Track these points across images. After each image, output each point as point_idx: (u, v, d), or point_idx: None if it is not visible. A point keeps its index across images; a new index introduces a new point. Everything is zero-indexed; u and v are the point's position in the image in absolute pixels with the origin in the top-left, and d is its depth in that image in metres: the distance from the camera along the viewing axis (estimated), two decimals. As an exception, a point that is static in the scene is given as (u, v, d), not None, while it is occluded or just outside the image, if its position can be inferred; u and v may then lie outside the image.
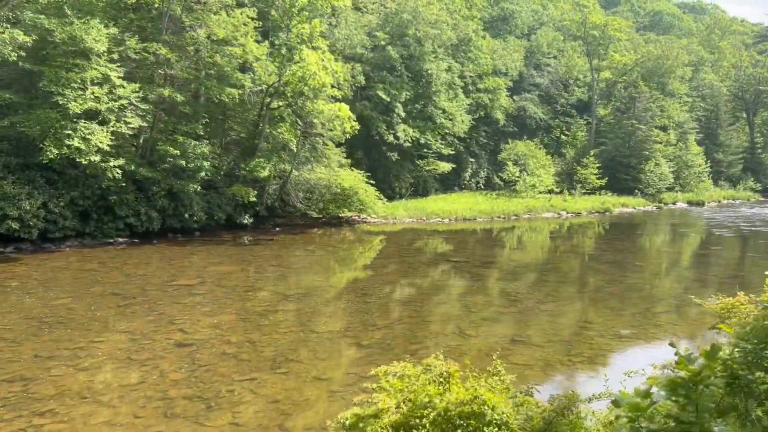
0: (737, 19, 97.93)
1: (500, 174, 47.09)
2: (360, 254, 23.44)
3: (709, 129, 65.71)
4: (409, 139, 38.25)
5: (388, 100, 35.34)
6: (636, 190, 50.08)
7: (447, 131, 42.51)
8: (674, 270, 20.92)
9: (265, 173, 26.46)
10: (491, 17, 61.28)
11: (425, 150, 43.65)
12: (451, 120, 41.89)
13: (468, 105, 46.70)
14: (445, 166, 44.20)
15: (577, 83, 63.62)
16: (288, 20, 25.50)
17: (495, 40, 55.26)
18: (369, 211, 31.74)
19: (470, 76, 48.69)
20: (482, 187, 56.01)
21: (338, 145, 35.62)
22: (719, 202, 56.57)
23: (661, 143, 53.47)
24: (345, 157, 39.67)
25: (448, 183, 54.77)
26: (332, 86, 27.67)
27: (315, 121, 26.46)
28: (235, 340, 11.78)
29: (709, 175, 59.17)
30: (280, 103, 26.41)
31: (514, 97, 57.16)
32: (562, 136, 58.32)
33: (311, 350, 11.22)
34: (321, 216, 31.87)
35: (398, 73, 37.01)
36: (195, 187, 24.11)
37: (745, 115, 74.58)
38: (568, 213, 40.53)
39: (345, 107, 25.52)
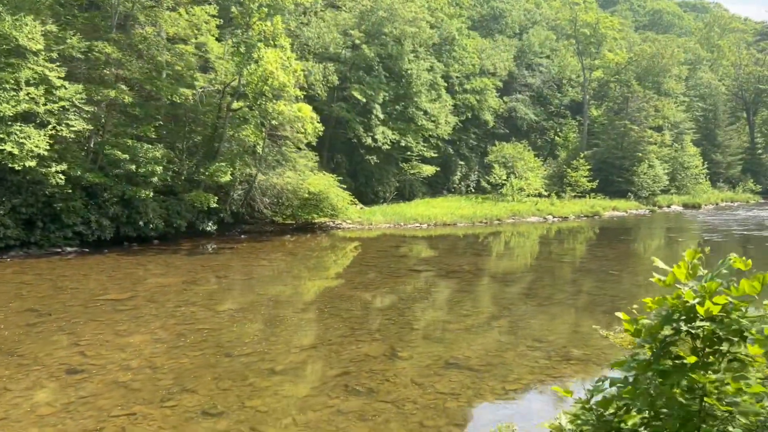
0: (737, 17, 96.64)
1: (488, 177, 45.94)
2: (321, 264, 22.33)
3: (707, 129, 64.52)
4: (388, 142, 37.12)
5: (365, 101, 34.25)
6: (629, 193, 48.85)
7: (430, 133, 41.37)
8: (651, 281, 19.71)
9: (226, 178, 25.41)
10: (481, 16, 60.24)
11: (408, 153, 42.59)
12: (433, 122, 40.76)
13: (452, 106, 45.58)
14: (429, 169, 43.12)
15: (571, 83, 62.49)
16: (248, 17, 24.44)
17: (485, 40, 54.21)
18: (341, 217, 30.66)
19: (456, 77, 47.62)
20: (473, 190, 54.92)
21: (312, 148, 34.60)
22: (717, 204, 55.33)
23: (655, 144, 52.25)
24: (323, 161, 38.82)
25: (437, 186, 53.72)
26: (299, 87, 26.69)
27: (280, 122, 25.37)
28: (135, 365, 10.67)
29: (706, 177, 57.94)
30: (242, 104, 25.35)
31: (504, 98, 56.06)
32: (556, 138, 57.16)
33: (215, 378, 10.10)
34: (293, 222, 30.85)
35: (376, 73, 35.94)
36: (147, 193, 23.06)
37: (745, 115, 73.33)
38: (554, 217, 39.36)
39: (307, 108, 24.45)
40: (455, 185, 54.57)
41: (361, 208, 36.93)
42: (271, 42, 25.29)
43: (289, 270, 20.83)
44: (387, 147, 37.13)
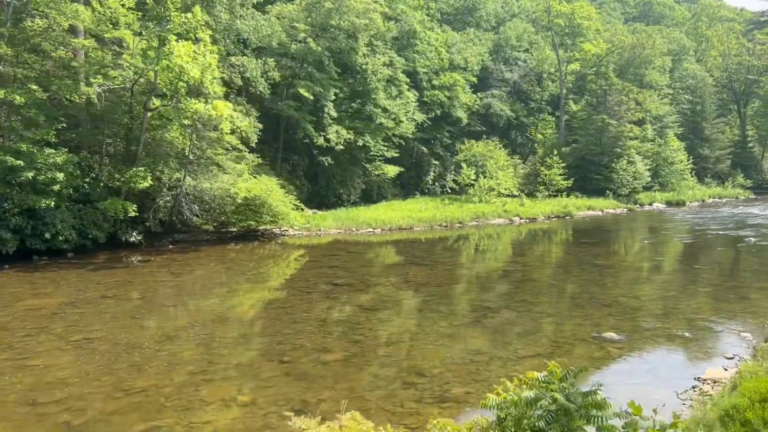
0: (726, 5, 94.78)
1: (455, 178, 44.13)
2: (242, 277, 20.42)
3: (694, 123, 62.64)
4: (342, 142, 35.25)
5: (312, 98, 32.38)
6: (608, 191, 46.96)
7: (392, 132, 39.49)
8: (591, 292, 17.89)
9: (144, 184, 23.56)
10: (455, 9, 58.38)
11: (372, 153, 40.73)
12: (394, 120, 38.88)
13: (420, 103, 43.72)
14: (393, 170, 41.28)
15: (551, 78, 60.63)
16: (162, 8, 22.59)
17: (457, 33, 52.36)
18: (283, 223, 28.79)
19: (423, 72, 45.76)
20: (448, 191, 53.01)
21: (265, 149, 32.83)
22: (703, 201, 53.44)
23: (636, 139, 50.40)
24: (276, 163, 36.96)
25: (409, 188, 51.84)
26: (229, 83, 24.88)
27: (193, 122, 23.50)
28: None
29: (692, 173, 56.04)
30: (159, 103, 23.49)
31: (479, 94, 54.19)
32: (538, 135, 55.25)
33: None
34: (233, 230, 28.98)
35: (327, 69, 34.07)
36: (48, 202, 21.18)
37: (735, 107, 71.49)
38: (521, 219, 37.50)
39: (224, 105, 22.54)
40: (429, 186, 52.66)
41: (314, 213, 35.13)
42: (192, 35, 23.44)
43: (201, 286, 18.94)
44: (341, 147, 35.22)
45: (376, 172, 41.84)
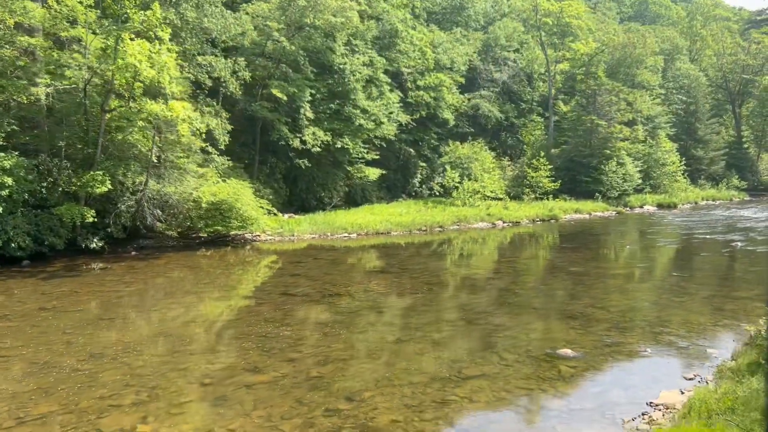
0: (722, 4, 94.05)
1: (440, 180, 43.36)
2: (195, 287, 19.56)
3: (687, 123, 61.81)
4: (319, 144, 34.42)
5: (286, 99, 31.56)
6: (597, 193, 46.14)
7: (372, 134, 38.65)
8: (558, 302, 17.06)
9: (102, 188, 22.74)
10: (443, 9, 57.62)
11: (353, 156, 39.89)
12: (374, 121, 38.05)
13: (403, 103, 42.89)
14: (374, 173, 40.45)
15: (542, 78, 59.85)
16: (119, 5, 21.79)
17: (443, 33, 51.58)
18: (253, 228, 27.95)
19: (408, 72, 44.97)
20: (436, 194, 52.19)
21: (227, 152, 31.99)
22: (695, 203, 52.62)
23: (626, 140, 49.59)
24: (253, 166, 36.15)
25: (396, 190, 51.03)
26: (198, 84, 24.10)
27: (148, 123, 22.67)
28: None
29: (684, 174, 55.18)
30: (116, 104, 22.66)
31: (467, 95, 53.39)
32: (526, 136, 54.38)
33: None
34: (202, 236, 28.10)
35: (302, 69, 33.25)
36: (-5, 208, 20.36)
37: (730, 107, 70.71)
38: (504, 222, 36.68)
39: (181, 106, 21.67)
40: (416, 188, 51.79)
41: (290, 217, 34.34)
42: (151, 33, 22.63)
43: (149, 296, 18.10)
44: (317, 150, 34.40)
45: (359, 175, 41.02)
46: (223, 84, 29.71)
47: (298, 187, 40.48)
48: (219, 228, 26.84)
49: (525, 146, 51.29)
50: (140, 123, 22.92)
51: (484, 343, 12.78)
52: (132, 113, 22.01)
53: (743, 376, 9.26)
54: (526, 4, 54.22)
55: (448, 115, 49.40)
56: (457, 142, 45.80)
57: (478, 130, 57.40)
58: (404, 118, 43.72)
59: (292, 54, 32.36)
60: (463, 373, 10.92)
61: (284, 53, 32.00)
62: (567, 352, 11.98)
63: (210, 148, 29.49)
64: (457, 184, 41.32)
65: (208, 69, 27.68)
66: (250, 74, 30.01)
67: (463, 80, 52.52)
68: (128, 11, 21.96)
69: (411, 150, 51.39)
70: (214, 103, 29.68)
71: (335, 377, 10.79)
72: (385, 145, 41.28)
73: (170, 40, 26.94)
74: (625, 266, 22.27)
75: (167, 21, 26.36)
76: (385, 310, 15.72)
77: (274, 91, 31.02)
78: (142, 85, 21.25)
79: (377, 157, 40.15)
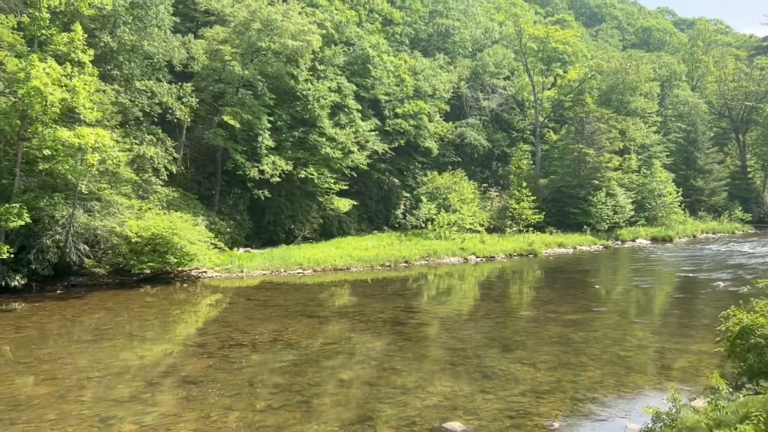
0: (723, 29, 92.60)
1: (409, 213, 41.62)
2: (95, 333, 17.71)
3: (686, 152, 59.70)
4: (279, 174, 32.86)
5: (239, 126, 30.11)
6: (585, 226, 44.03)
7: (339, 164, 37.04)
8: (482, 357, 15.05)
9: (19, 222, 21.19)
10: (428, 35, 56.53)
11: (322, 186, 38.21)
12: (342, 149, 36.49)
13: (374, 132, 41.35)
14: (344, 204, 38.70)
15: (532, 105, 58.29)
16: (36, 26, 20.52)
17: (426, 60, 50.34)
18: (192, 264, 26.23)
19: (385, 99, 43.58)
20: (423, 225, 50.42)
21: (182, 183, 30.57)
22: (693, 237, 50.24)
23: (618, 170, 47.63)
24: (214, 196, 34.62)
25: (378, 222, 49.31)
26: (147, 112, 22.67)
27: (54, 151, 21.15)
28: None
29: (683, 206, 52.86)
30: (32, 131, 21.20)
31: (452, 123, 51.89)
32: (512, 166, 52.51)
33: None
34: (147, 272, 26.26)
35: (259, 95, 31.88)
36: None
37: (734, 136, 68.59)
38: (478, 257, 34.68)
39: (90, 133, 20.03)
40: (399, 220, 49.96)
41: (245, 251, 32.61)
42: (73, 56, 21.31)
43: (36, 346, 16.30)
44: (277, 180, 32.82)
45: (330, 206, 39.32)
46: (171, 110, 28.31)
47: (265, 219, 38.85)
48: (153, 265, 25.13)
49: (511, 176, 49.41)
50: (63, 151, 21.42)
51: (364, 412, 10.81)
52: (47, 141, 20.53)
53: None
54: (511, 29, 52.89)
55: (431, 143, 47.86)
56: (435, 172, 44.08)
57: (467, 159, 55.77)
58: (381, 146, 42.18)
59: (247, 79, 31.03)
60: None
61: (239, 79, 30.65)
62: (455, 426, 9.99)
63: (154, 179, 28.05)
64: (433, 216, 39.48)
65: (148, 94, 26.29)
66: (196, 100, 28.63)
67: (447, 108, 51.10)
68: (46, 32, 20.65)
69: (396, 180, 49.83)
70: (159, 131, 28.24)
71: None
72: (355, 175, 39.63)
73: (106, 63, 25.73)
74: (582, 310, 20.15)
75: (104, 44, 25.19)
76: (278, 366, 13.79)
77: (226, 118, 29.63)
78: (57, 110, 19.81)
79: (346, 187, 38.50)
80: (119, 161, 21.61)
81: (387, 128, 44.03)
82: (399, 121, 44.20)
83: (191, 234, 26.39)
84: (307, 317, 19.04)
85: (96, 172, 22.67)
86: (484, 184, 52.32)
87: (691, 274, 28.04)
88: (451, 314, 19.78)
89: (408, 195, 50.61)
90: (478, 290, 26.23)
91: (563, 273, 30.57)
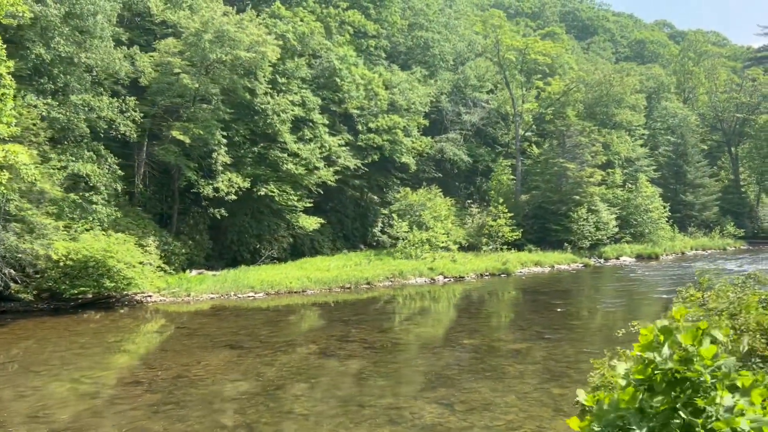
0: (713, 38, 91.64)
1: (387, 230, 40.26)
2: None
3: (676, 166, 58.29)
4: (235, 191, 31.57)
5: (189, 141, 28.84)
6: (566, 243, 42.55)
7: (305, 180, 35.70)
8: (398, 396, 13.61)
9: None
10: (407, 48, 55.49)
11: (288, 204, 36.81)
12: (305, 166, 35.19)
13: (345, 147, 40.09)
14: (310, 222, 37.27)
15: (516, 119, 57.08)
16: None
17: (403, 73, 49.21)
18: (128, 289, 24.83)
19: (357, 114, 42.33)
20: (394, 244, 49.03)
21: (159, 200, 29.30)
22: (682, 253, 48.69)
23: (602, 185, 46.27)
24: (172, 216, 33.35)
25: (355, 240, 47.91)
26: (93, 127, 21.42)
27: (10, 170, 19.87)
28: None
29: (670, 221, 51.36)
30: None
31: (431, 138, 50.60)
32: (492, 181, 51.09)
33: None
34: (89, 297, 24.83)
35: (213, 109, 30.67)
36: None
37: (726, 148, 67.25)
38: (446, 278, 33.24)
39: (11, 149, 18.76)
40: (377, 237, 48.52)
41: (199, 273, 31.22)
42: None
43: None
44: (233, 198, 31.51)
45: (296, 225, 37.89)
46: (114, 126, 27.09)
47: (228, 239, 37.51)
48: (86, 290, 23.76)
49: (491, 192, 48.02)
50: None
51: None
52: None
53: None
54: (489, 40, 51.84)
55: (408, 159, 46.50)
56: (408, 189, 42.72)
57: (449, 175, 54.46)
58: (352, 162, 40.86)
59: (200, 93, 29.85)
60: None
61: (191, 92, 29.47)
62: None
63: (95, 197, 26.74)
64: (405, 233, 38.09)
65: (85, 109, 25.07)
66: (140, 114, 27.40)
67: (426, 122, 49.90)
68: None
69: (375, 197, 48.52)
70: (101, 148, 26.99)
71: None
72: (322, 192, 38.27)
73: (39, 76, 24.61)
74: (532, 338, 18.62)
75: (35, 56, 24.05)
76: (164, 411, 12.34)
77: (175, 133, 28.39)
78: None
79: (310, 204, 37.08)
80: (36, 179, 20.28)
81: (360, 143, 42.74)
82: (372, 135, 42.92)
83: (130, 256, 25.03)
84: (230, 348, 17.59)
85: (13, 192, 21.36)
86: (469, 200, 51.02)
87: (665, 296, 26.53)
88: (386, 344, 18.31)
89: (386, 212, 49.23)
90: (430, 316, 24.76)
91: (531, 294, 29.09)
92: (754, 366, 6.56)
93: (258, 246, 37.98)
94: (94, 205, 25.98)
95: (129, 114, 26.81)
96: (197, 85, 28.89)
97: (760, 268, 37.67)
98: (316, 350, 17.21)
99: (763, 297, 7.92)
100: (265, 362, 15.94)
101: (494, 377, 14.31)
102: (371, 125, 43.18)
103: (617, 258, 43.87)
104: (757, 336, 6.73)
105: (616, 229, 45.44)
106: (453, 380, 14.14)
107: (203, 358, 16.47)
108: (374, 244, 47.84)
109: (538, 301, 26.83)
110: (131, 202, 32.38)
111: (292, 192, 35.20)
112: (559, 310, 23.68)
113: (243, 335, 19.48)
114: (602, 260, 43.06)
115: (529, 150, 52.06)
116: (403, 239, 38.23)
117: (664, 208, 49.75)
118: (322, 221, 38.69)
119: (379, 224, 49.35)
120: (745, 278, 8.85)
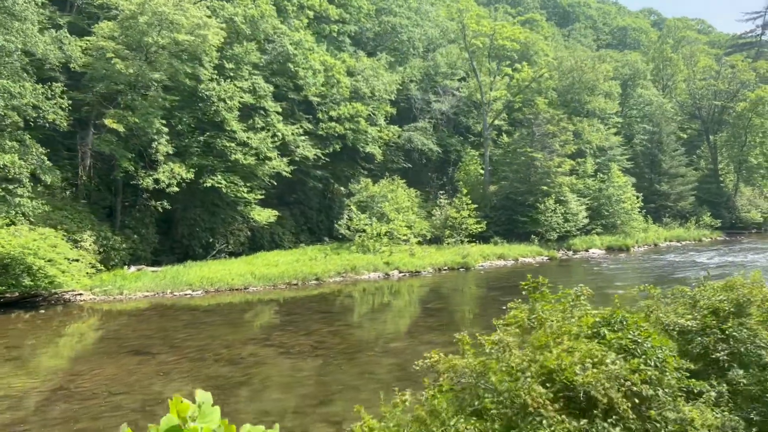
0: (692, 25, 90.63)
1: (342, 222, 38.98)
2: None
3: (651, 155, 57.32)
4: (177, 182, 30.15)
5: (123, 130, 27.37)
6: (533, 235, 41.49)
7: (256, 170, 34.33)
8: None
9: None
10: (375, 33, 53.98)
11: (237, 196, 35.37)
12: (256, 155, 33.80)
13: (304, 137, 38.72)
14: (264, 216, 35.92)
15: (486, 108, 55.79)
16: None
17: (368, 59, 47.78)
18: (50, 288, 23.45)
19: (317, 102, 40.90)
20: (352, 237, 47.74)
21: (98, 192, 27.83)
22: (654, 245, 47.79)
23: (572, 174, 45.19)
24: (116, 210, 31.92)
25: (319, 233, 46.62)
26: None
27: None
28: None
29: (644, 212, 50.41)
30: None
31: (398, 127, 49.28)
32: (460, 172, 49.85)
33: None
34: (14, 295, 23.48)
35: (152, 95, 29.19)
36: None
37: (705, 137, 66.39)
38: (402, 272, 32.08)
39: None
40: (343, 230, 47.29)
41: (138, 270, 29.80)
42: None
43: None
44: (174, 190, 30.10)
45: (250, 218, 36.51)
46: (43, 113, 25.56)
47: (179, 233, 36.15)
48: (2, 288, 22.36)
49: (459, 183, 46.83)
50: None
51: None
52: None
53: None
54: (454, 24, 50.46)
55: (373, 149, 45.22)
56: (369, 180, 41.42)
57: (419, 165, 53.22)
58: (311, 152, 39.51)
59: (137, 79, 28.34)
60: None
61: (126, 78, 27.95)
62: None
63: (20, 190, 25.24)
64: (364, 226, 36.85)
65: (5, 96, 23.54)
66: (68, 102, 25.85)
67: (394, 111, 48.54)
68: None
69: (342, 188, 47.20)
70: (26, 137, 25.45)
71: None
72: (275, 183, 36.89)
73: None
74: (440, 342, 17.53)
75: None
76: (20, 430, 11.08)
77: (108, 122, 26.92)
78: None
79: (262, 196, 35.70)
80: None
81: (321, 132, 41.37)
82: (334, 124, 41.57)
83: (55, 253, 23.64)
84: (134, 354, 16.31)
85: None
86: (441, 192, 49.84)
87: (620, 291, 25.46)
88: (305, 348, 17.09)
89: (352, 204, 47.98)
90: (364, 315, 23.53)
91: (487, 290, 27.99)
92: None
93: (211, 240, 36.66)
94: (18, 198, 24.50)
95: (56, 101, 25.25)
96: (132, 71, 27.36)
97: (730, 260, 36.82)
98: (225, 357, 15.98)
99: (591, 321, 6.70)
100: (162, 371, 14.70)
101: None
102: (332, 113, 41.83)
103: (586, 250, 42.89)
104: (533, 385, 5.51)
105: (587, 220, 44.44)
106: (339, 398, 12.95)
107: (99, 365, 15.20)
108: (340, 237, 46.51)
109: (486, 298, 25.72)
110: (76, 195, 30.95)
111: (242, 183, 33.83)
112: (501, 304, 22.60)
113: (156, 339, 18.19)
114: (571, 252, 42.07)
115: (499, 139, 50.88)
116: (361, 232, 37.02)
117: (637, 198, 48.79)
118: (278, 214, 37.37)
119: (345, 217, 48.15)
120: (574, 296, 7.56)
